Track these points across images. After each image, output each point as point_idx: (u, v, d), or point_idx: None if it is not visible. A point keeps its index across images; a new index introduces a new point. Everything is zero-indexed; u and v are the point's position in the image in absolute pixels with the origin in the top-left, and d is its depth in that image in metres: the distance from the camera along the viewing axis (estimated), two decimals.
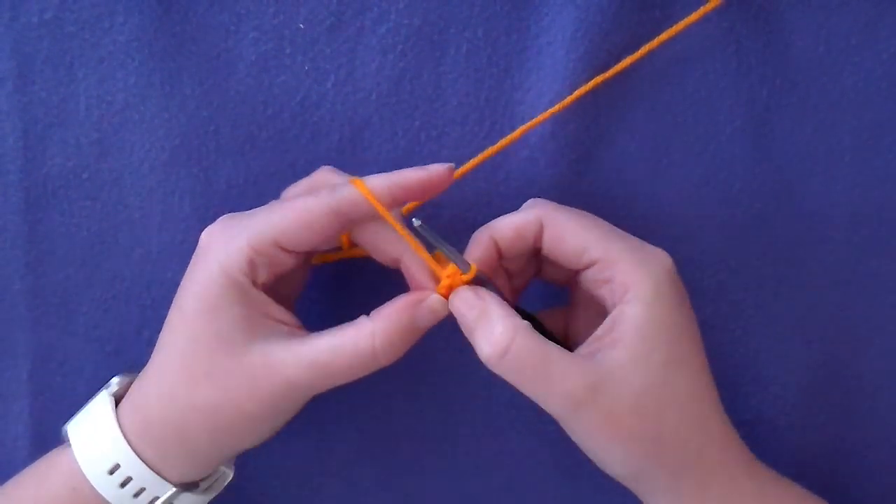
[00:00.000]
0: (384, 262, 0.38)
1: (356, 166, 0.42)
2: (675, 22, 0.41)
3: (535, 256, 0.39)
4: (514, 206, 0.43)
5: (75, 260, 0.43)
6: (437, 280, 0.37)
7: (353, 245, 0.38)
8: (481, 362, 0.45)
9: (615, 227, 0.37)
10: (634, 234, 0.38)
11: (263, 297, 0.36)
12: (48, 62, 0.42)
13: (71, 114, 0.42)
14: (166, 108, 0.42)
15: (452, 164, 0.36)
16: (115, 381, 0.39)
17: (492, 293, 0.36)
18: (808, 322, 0.44)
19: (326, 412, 0.45)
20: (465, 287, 0.36)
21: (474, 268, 0.36)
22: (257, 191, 0.43)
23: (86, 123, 0.42)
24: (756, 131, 0.43)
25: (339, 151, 0.43)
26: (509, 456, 0.45)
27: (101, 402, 0.37)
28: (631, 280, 0.34)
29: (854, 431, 0.45)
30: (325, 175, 0.38)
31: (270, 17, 0.42)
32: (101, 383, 0.43)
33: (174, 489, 0.37)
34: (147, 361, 0.37)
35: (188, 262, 0.37)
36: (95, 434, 0.37)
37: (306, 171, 0.40)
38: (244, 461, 0.44)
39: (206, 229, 0.36)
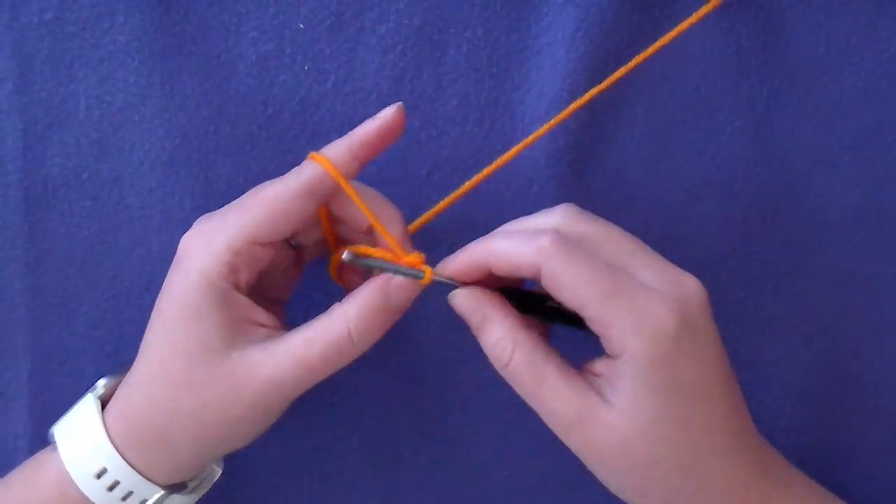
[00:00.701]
0: (361, 231, 0.38)
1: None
2: (675, 22, 0.41)
3: None
4: (513, 207, 0.43)
5: (75, 260, 0.43)
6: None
7: (332, 222, 0.39)
8: (481, 362, 0.45)
9: (625, 263, 0.34)
10: (633, 235, 0.37)
11: (244, 301, 0.36)
12: (48, 62, 0.42)
13: (71, 114, 0.42)
14: (166, 108, 0.42)
15: (400, 103, 0.36)
16: (101, 383, 0.39)
17: (494, 295, 0.36)
18: (808, 322, 0.44)
19: (326, 412, 0.45)
20: (464, 291, 0.36)
21: (429, 273, 0.36)
22: None
23: (86, 123, 0.42)
24: (756, 131, 0.43)
25: None
26: (509, 456, 0.45)
27: (87, 406, 0.37)
28: (625, 345, 0.33)
29: (854, 431, 0.45)
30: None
31: (270, 17, 0.42)
32: None
33: (162, 492, 0.37)
34: None
35: None
36: (82, 438, 0.37)
37: None
38: (243, 461, 0.44)
39: (185, 235, 0.36)
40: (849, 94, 0.43)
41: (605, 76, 0.41)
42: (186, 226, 0.37)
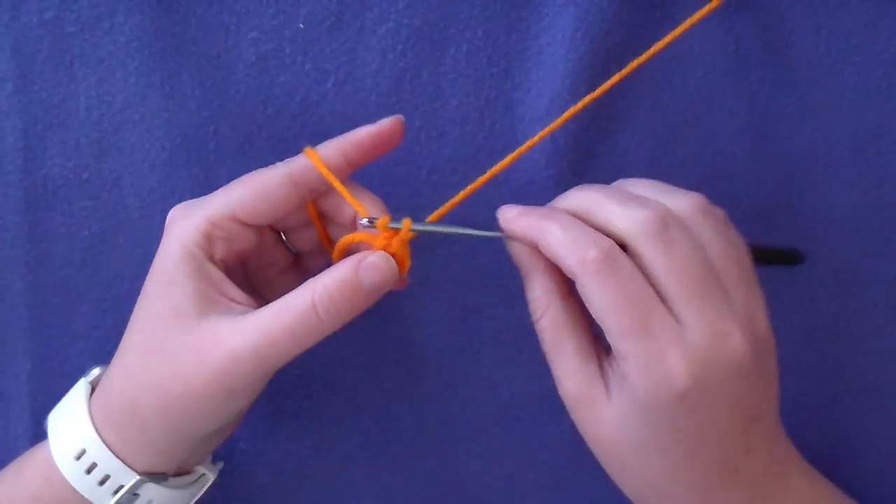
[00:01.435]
0: (347, 224, 0.38)
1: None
2: (675, 22, 0.41)
3: None
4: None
5: (75, 260, 0.43)
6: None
7: (325, 223, 0.39)
8: (481, 362, 0.45)
9: (679, 296, 0.33)
10: None
11: (220, 275, 0.36)
12: (48, 62, 0.42)
13: (71, 114, 0.42)
14: (166, 108, 0.42)
15: (401, 116, 0.37)
16: (95, 370, 0.39)
17: (536, 258, 0.36)
18: (808, 322, 0.44)
19: (326, 412, 0.45)
20: (515, 245, 0.37)
21: (406, 223, 0.36)
22: None
23: (86, 123, 0.42)
24: (756, 131, 0.43)
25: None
26: (509, 456, 0.45)
27: (77, 389, 0.38)
28: (631, 382, 0.33)
29: (854, 431, 0.45)
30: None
31: (270, 17, 0.42)
32: None
33: (138, 477, 0.36)
34: None
35: None
36: (67, 421, 0.37)
37: None
38: (243, 461, 0.44)
39: (172, 209, 0.37)
40: (849, 94, 0.43)
41: (606, 76, 0.41)
42: None
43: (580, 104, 0.39)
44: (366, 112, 0.42)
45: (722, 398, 0.33)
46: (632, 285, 0.33)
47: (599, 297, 0.33)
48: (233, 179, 0.42)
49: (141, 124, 0.42)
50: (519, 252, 0.37)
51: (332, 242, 0.40)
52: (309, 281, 0.35)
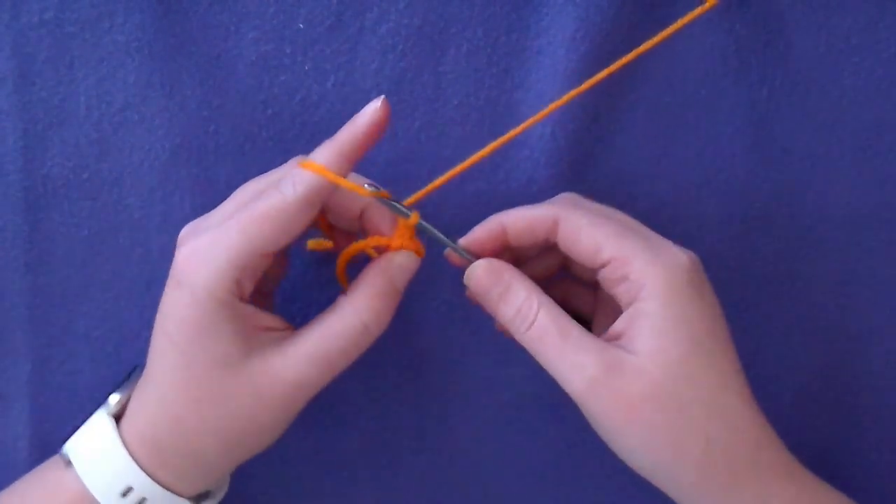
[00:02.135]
0: (347, 226, 0.38)
1: (356, 166, 0.42)
2: (676, 22, 0.41)
3: (556, 250, 0.39)
4: (513, 207, 0.43)
5: (75, 260, 0.43)
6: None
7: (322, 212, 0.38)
8: (481, 362, 0.45)
9: (636, 224, 0.37)
10: None
11: (251, 310, 0.36)
12: (48, 62, 0.42)
13: (71, 114, 0.42)
14: (166, 108, 0.42)
15: (383, 96, 0.35)
16: (112, 400, 0.38)
17: (512, 268, 0.37)
18: (808, 322, 0.44)
19: (326, 412, 0.45)
20: (482, 264, 0.37)
21: (415, 216, 0.37)
22: None
23: (86, 123, 0.42)
24: (756, 131, 0.43)
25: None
26: (509, 456, 0.45)
27: (103, 424, 0.37)
28: (645, 277, 0.34)
29: (854, 431, 0.45)
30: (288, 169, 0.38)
31: (270, 17, 0.42)
32: (101, 383, 0.43)
33: (189, 503, 0.37)
34: (146, 361, 0.37)
35: None
36: (102, 458, 0.36)
37: None
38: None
39: (182, 252, 0.35)
40: (849, 94, 0.43)
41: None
42: None
43: (584, 86, 0.39)
44: None
45: (712, 295, 0.36)
46: (604, 208, 0.38)
47: (589, 218, 0.36)
48: (232, 179, 0.43)
49: (141, 124, 0.42)
50: (486, 272, 0.37)
51: (331, 228, 0.39)
52: (346, 301, 0.36)
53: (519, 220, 0.37)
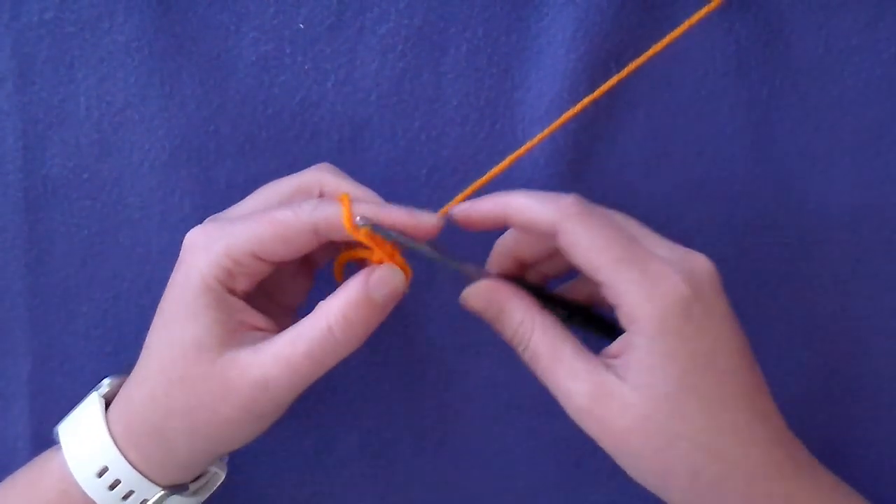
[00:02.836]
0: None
1: (356, 166, 0.42)
2: (676, 22, 0.41)
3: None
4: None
5: (75, 260, 0.43)
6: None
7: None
8: (481, 362, 0.45)
9: (643, 235, 0.36)
10: None
11: (241, 305, 0.36)
12: (48, 62, 0.42)
13: (71, 114, 0.42)
14: (166, 108, 0.42)
15: (443, 216, 0.36)
16: (105, 382, 0.39)
17: (508, 285, 0.36)
18: (808, 322, 0.44)
19: (326, 412, 0.45)
20: (478, 288, 0.37)
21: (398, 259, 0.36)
22: None
23: (86, 123, 0.42)
24: (756, 131, 0.43)
25: (339, 151, 0.43)
26: (509, 457, 0.45)
27: (91, 404, 0.38)
28: (636, 311, 0.33)
29: (854, 431, 0.45)
30: (319, 175, 0.38)
31: (270, 17, 0.42)
32: None
33: (162, 492, 0.37)
34: None
35: None
36: (85, 436, 0.37)
37: None
38: (243, 461, 0.44)
39: (191, 232, 0.36)
40: (849, 94, 0.43)
41: (606, 76, 0.41)
42: (186, 226, 0.37)
43: (579, 106, 0.39)
44: (366, 112, 0.42)
45: (719, 312, 0.34)
46: (611, 221, 0.35)
47: (587, 235, 0.34)
48: (233, 179, 0.43)
49: (141, 124, 0.42)
50: (481, 295, 0.37)
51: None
52: (322, 304, 0.35)
53: (520, 214, 0.36)
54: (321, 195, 0.37)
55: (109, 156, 0.43)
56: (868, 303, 0.44)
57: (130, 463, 0.36)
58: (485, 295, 0.37)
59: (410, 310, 0.44)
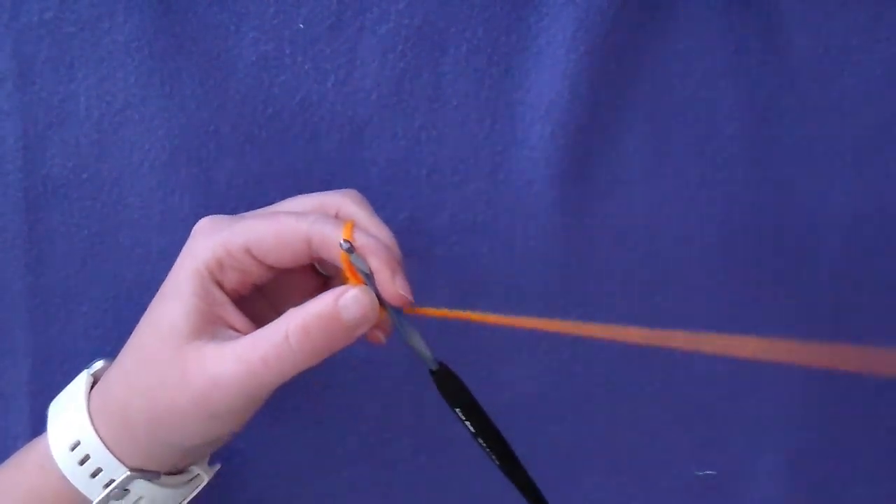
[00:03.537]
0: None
1: (356, 166, 0.42)
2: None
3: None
4: (513, 207, 0.43)
5: (75, 260, 0.43)
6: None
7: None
8: (480, 362, 0.45)
9: None
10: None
11: (223, 299, 0.36)
12: (48, 62, 0.42)
13: (71, 114, 0.42)
14: (166, 108, 0.42)
15: (411, 302, 0.36)
16: (99, 363, 0.39)
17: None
18: (809, 322, 0.44)
19: (326, 412, 0.45)
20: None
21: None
22: (257, 191, 0.43)
23: (86, 123, 0.42)
24: (756, 131, 0.43)
25: (339, 151, 0.43)
26: None
27: (79, 380, 0.38)
28: None
29: (854, 431, 0.45)
30: (342, 199, 0.38)
31: (270, 17, 0.42)
32: None
33: (128, 473, 0.36)
34: None
35: None
36: (66, 411, 0.37)
37: (306, 171, 0.40)
38: (243, 461, 0.44)
39: (202, 220, 0.37)
40: (849, 94, 0.43)
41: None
42: (186, 226, 0.37)
43: None
44: (366, 112, 0.42)
45: None
46: None
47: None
48: (233, 179, 0.43)
49: (141, 124, 0.42)
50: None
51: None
52: (290, 311, 0.35)
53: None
54: (336, 217, 0.37)
55: (109, 156, 0.43)
56: (868, 303, 0.44)
57: (101, 439, 0.36)
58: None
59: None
